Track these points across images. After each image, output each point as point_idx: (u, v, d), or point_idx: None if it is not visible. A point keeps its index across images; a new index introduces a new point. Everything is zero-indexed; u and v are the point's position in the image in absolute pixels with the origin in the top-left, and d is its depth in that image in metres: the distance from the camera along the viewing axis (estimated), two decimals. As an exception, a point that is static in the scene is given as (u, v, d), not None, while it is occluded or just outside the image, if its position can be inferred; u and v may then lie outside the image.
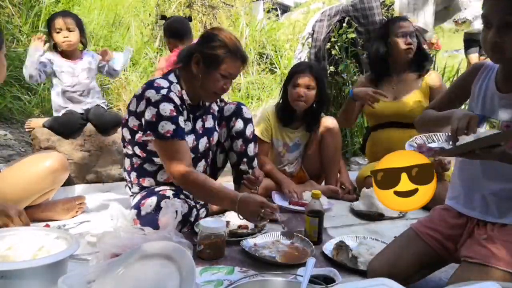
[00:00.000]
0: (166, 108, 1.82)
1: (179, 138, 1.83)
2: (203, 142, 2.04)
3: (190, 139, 1.96)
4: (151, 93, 1.84)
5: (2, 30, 1.67)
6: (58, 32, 2.81)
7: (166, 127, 1.81)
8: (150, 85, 1.90)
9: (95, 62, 3.01)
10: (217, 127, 2.16)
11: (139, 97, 1.89)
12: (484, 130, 1.25)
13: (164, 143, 1.83)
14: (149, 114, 1.83)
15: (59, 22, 2.81)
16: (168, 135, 1.81)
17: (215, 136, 2.14)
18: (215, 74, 1.89)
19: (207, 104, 2.11)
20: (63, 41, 2.82)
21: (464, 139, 1.19)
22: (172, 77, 1.96)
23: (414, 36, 2.57)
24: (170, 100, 1.84)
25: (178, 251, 1.24)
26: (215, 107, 2.19)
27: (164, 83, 1.91)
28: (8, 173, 1.89)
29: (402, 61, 2.60)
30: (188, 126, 1.96)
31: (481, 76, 1.43)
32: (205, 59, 1.89)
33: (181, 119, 1.87)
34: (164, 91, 1.85)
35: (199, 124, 2.05)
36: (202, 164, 2.09)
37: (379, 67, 2.65)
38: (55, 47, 2.96)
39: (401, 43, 2.54)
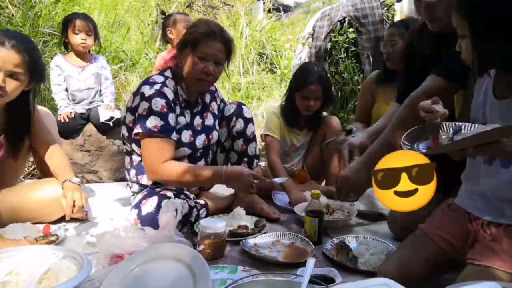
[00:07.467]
0: (158, 103, 1.86)
1: (165, 135, 1.87)
2: (201, 139, 2.06)
3: (186, 134, 2.00)
4: (145, 88, 1.90)
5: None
6: (76, 34, 2.82)
7: (155, 122, 1.85)
8: (146, 81, 1.97)
9: (103, 68, 3.03)
10: (217, 126, 2.19)
11: (135, 93, 1.95)
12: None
13: (150, 138, 1.87)
14: (141, 108, 1.88)
15: (80, 24, 2.84)
16: (155, 130, 1.85)
17: (215, 134, 2.16)
18: (192, 57, 1.92)
19: (206, 101, 2.15)
20: (80, 43, 2.85)
21: (461, 135, 1.18)
22: (168, 73, 2.02)
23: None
24: (162, 95, 1.88)
25: (187, 252, 1.22)
26: (214, 106, 2.21)
27: (159, 78, 1.96)
28: (6, 195, 1.81)
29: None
30: (182, 121, 1.99)
31: (478, 85, 1.42)
32: (182, 45, 1.96)
33: (171, 117, 1.89)
34: (157, 86, 1.90)
35: (197, 120, 2.08)
36: (201, 163, 2.10)
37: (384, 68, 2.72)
38: (65, 46, 2.97)
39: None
